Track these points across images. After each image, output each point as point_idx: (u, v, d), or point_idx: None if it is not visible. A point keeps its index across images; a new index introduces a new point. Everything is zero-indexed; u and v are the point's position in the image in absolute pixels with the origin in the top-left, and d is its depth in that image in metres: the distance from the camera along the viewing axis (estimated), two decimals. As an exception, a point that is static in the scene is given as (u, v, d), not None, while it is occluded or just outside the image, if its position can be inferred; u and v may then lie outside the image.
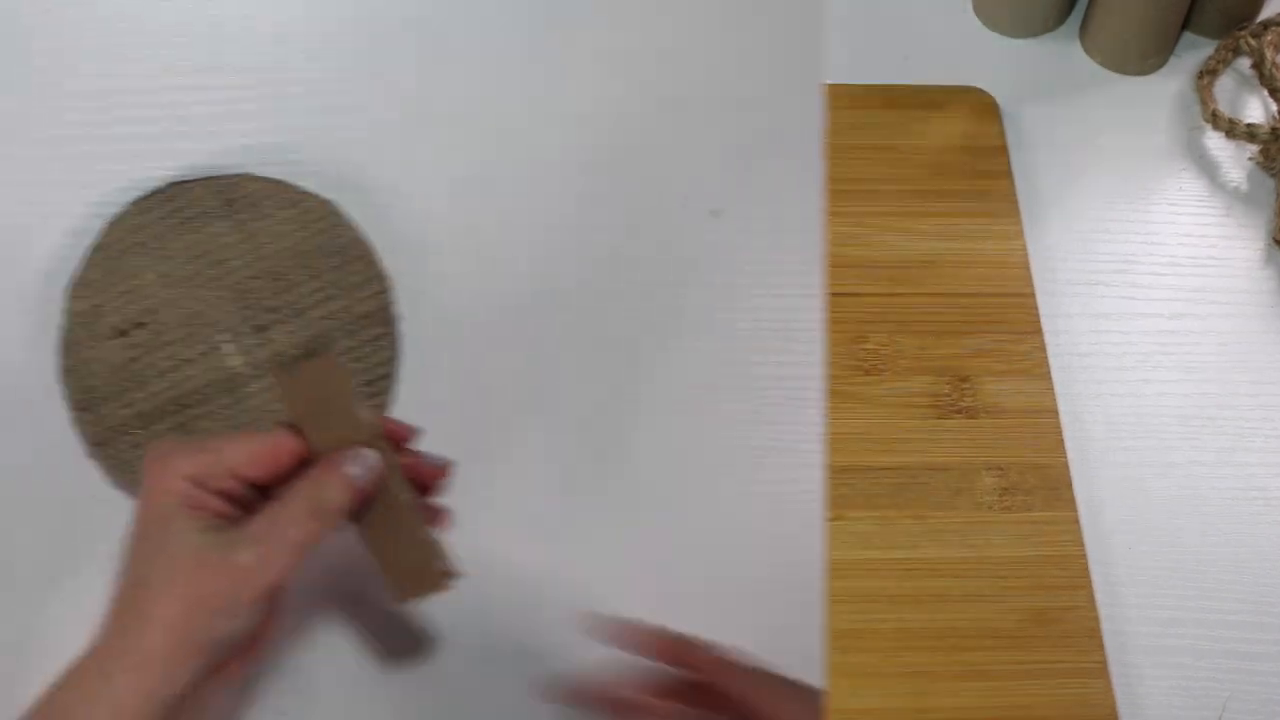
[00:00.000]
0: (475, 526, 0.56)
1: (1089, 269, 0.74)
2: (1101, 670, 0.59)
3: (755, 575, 0.59)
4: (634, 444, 0.60)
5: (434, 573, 0.53)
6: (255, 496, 0.53)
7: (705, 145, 0.61)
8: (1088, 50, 0.85)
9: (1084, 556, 0.62)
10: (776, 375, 0.61)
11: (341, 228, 0.59)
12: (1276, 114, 0.81)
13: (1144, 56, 0.84)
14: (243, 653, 0.53)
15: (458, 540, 0.55)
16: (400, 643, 0.57)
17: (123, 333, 0.59)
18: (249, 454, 0.51)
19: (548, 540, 0.59)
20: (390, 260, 0.59)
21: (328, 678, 0.57)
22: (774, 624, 0.59)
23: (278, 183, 0.59)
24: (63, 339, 0.59)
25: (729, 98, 0.61)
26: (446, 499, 0.55)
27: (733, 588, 0.59)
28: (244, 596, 0.49)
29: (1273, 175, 0.78)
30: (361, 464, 0.51)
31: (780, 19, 0.61)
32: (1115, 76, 0.84)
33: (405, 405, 0.59)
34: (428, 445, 0.57)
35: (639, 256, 0.60)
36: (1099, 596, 0.61)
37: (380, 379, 0.59)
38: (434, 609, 0.57)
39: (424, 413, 0.58)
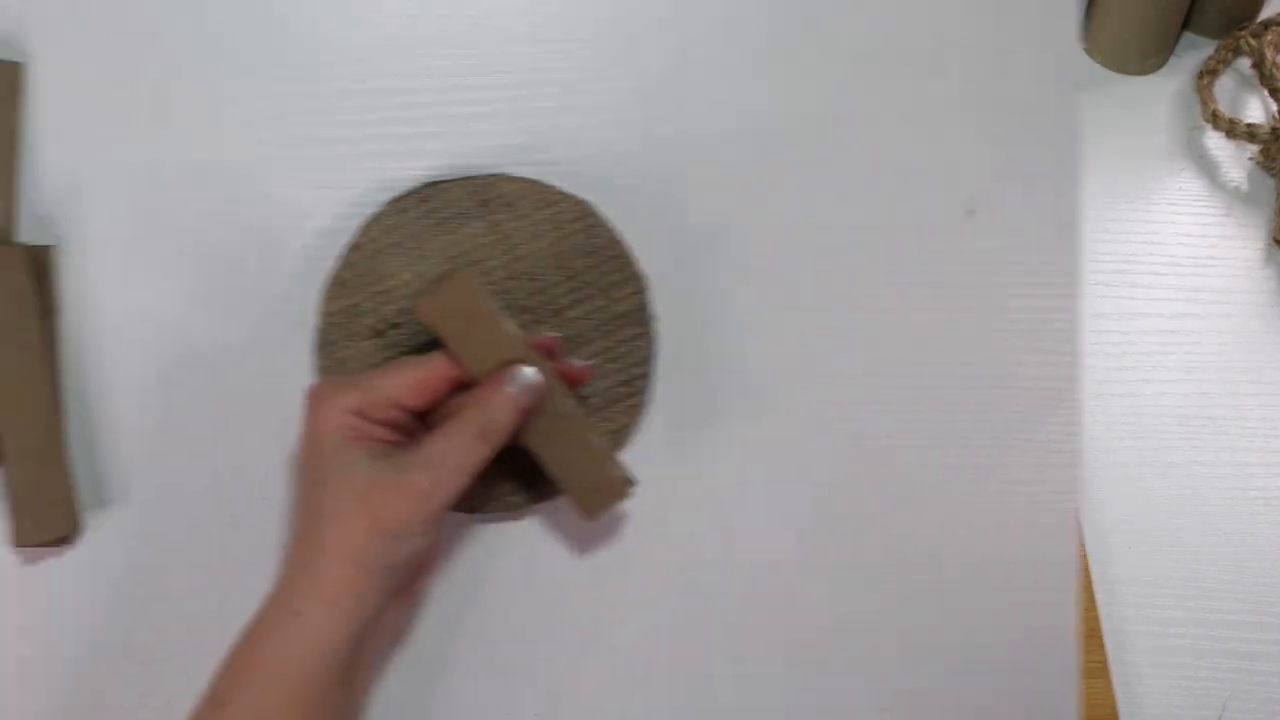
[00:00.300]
0: (730, 525, 0.59)
1: (1089, 269, 0.74)
2: (1102, 670, 0.60)
3: (1007, 572, 0.60)
4: (887, 442, 0.61)
5: (614, 481, 0.54)
6: (417, 424, 0.54)
7: (959, 145, 0.61)
8: (1088, 50, 0.85)
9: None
10: (1034, 376, 0.62)
11: (597, 227, 0.59)
12: (1276, 114, 0.81)
13: (1144, 56, 0.84)
14: (416, 572, 0.54)
15: (715, 539, 0.59)
16: None
17: (378, 333, 0.59)
18: (406, 383, 0.52)
19: (799, 539, 0.60)
20: (645, 260, 0.59)
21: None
22: (1027, 622, 0.60)
23: (533, 183, 0.59)
24: (318, 339, 0.58)
25: (984, 97, 0.61)
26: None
27: (984, 583, 0.60)
28: (419, 518, 0.50)
29: (1273, 175, 0.78)
30: (522, 382, 0.52)
31: (1035, 18, 0.61)
32: (1115, 76, 0.84)
33: (662, 405, 0.60)
34: (683, 445, 0.59)
35: (893, 256, 0.60)
36: (1099, 596, 0.62)
37: (637, 378, 0.59)
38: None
39: (681, 413, 0.60)
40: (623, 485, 0.54)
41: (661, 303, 0.60)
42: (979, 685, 0.60)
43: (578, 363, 0.56)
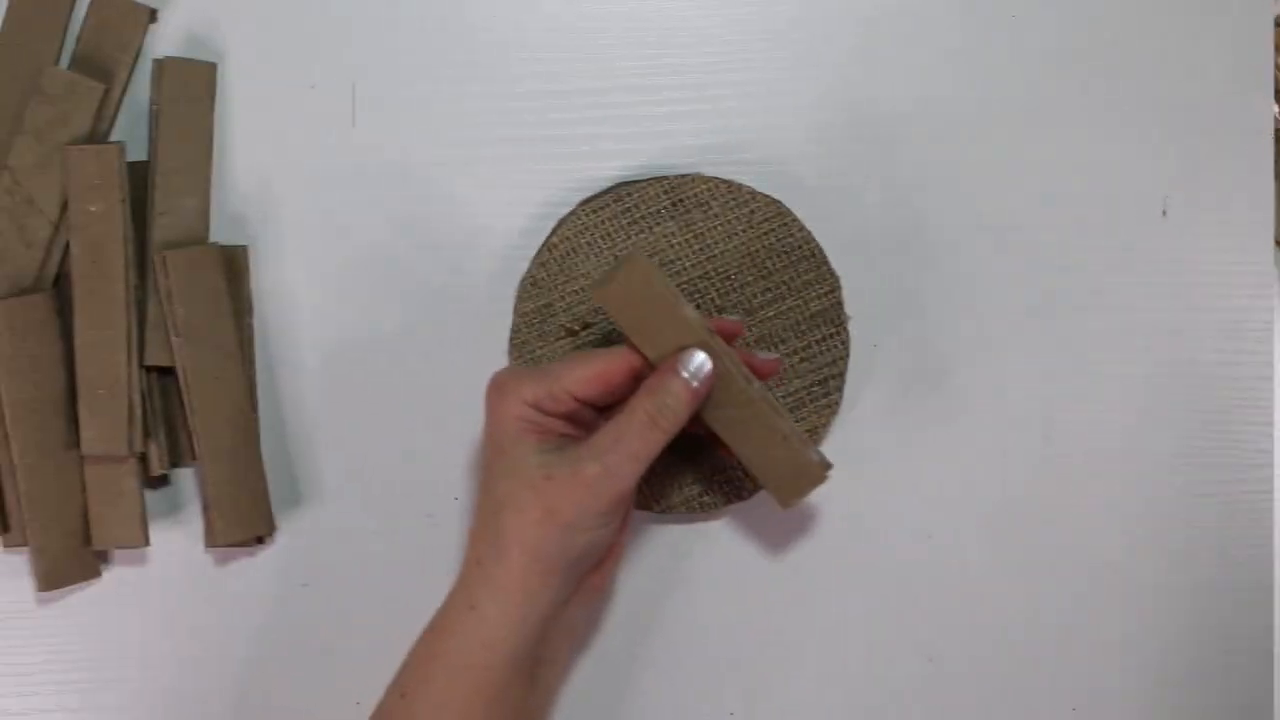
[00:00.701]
0: (924, 525, 0.60)
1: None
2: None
3: (1201, 572, 0.60)
4: (1078, 442, 0.60)
5: (809, 466, 0.52)
6: (598, 418, 0.53)
7: (1152, 144, 0.61)
8: None
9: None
10: (1229, 375, 0.61)
11: (790, 227, 0.59)
12: (1277, 114, 0.80)
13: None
14: (599, 567, 0.54)
15: (910, 539, 0.59)
16: None
17: (572, 333, 0.58)
18: (586, 375, 0.51)
19: (993, 539, 0.60)
20: (836, 259, 0.59)
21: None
22: (1221, 623, 0.60)
23: (726, 182, 0.58)
24: (512, 339, 0.59)
25: (1177, 96, 0.61)
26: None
27: (1177, 583, 0.60)
28: (593, 508, 0.49)
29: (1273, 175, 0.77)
30: (695, 365, 0.50)
31: (1228, 17, 0.61)
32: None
33: (855, 405, 0.60)
34: (877, 445, 0.60)
35: (1086, 255, 0.60)
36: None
37: (831, 378, 0.59)
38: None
39: (874, 413, 0.60)
40: (819, 469, 0.52)
41: (852, 302, 0.59)
42: (1172, 687, 0.60)
43: (765, 355, 0.55)
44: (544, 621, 0.50)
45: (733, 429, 0.52)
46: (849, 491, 0.60)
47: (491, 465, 0.51)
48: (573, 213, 0.58)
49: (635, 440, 0.50)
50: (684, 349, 0.51)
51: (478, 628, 0.50)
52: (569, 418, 0.52)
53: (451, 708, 0.50)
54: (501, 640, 0.50)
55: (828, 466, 0.53)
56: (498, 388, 0.52)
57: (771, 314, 0.58)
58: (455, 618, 0.50)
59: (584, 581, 0.53)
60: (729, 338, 0.53)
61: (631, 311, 0.51)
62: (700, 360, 0.51)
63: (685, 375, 0.50)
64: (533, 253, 0.59)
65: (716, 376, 0.51)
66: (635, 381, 0.52)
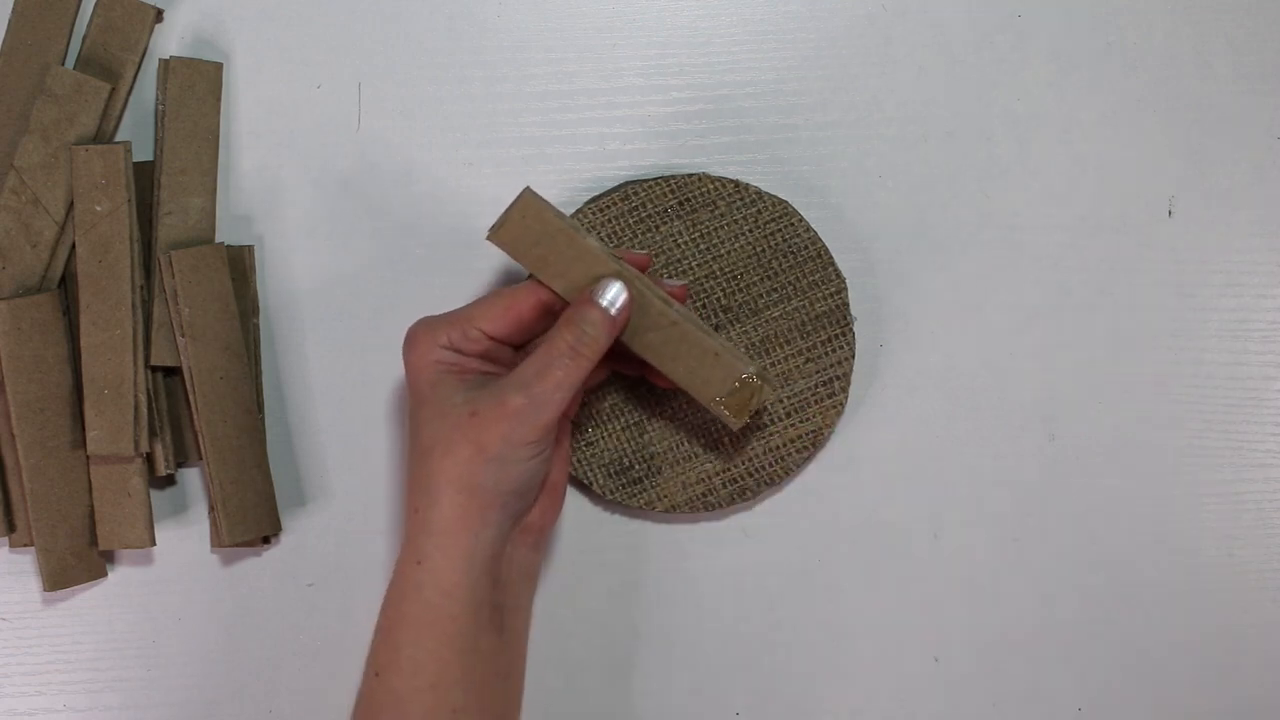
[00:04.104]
0: (932, 525, 0.60)
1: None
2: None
3: (1204, 571, 0.60)
4: (1083, 441, 0.60)
5: (747, 379, 0.52)
6: (515, 355, 0.53)
7: (1158, 145, 0.61)
8: None
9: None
10: (1235, 375, 0.62)
11: (797, 227, 0.59)
12: None
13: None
14: (538, 504, 0.54)
15: (918, 539, 0.60)
16: None
17: None
18: (494, 312, 0.51)
19: (1000, 538, 0.60)
20: (842, 260, 0.59)
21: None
22: (1226, 622, 0.60)
23: (733, 183, 0.59)
24: None
25: (1183, 97, 0.61)
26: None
27: (1181, 582, 0.60)
28: (522, 438, 0.49)
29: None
30: (609, 293, 0.51)
31: (1234, 18, 0.61)
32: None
33: (861, 405, 0.60)
34: (883, 445, 0.60)
35: (1091, 256, 0.60)
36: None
37: (836, 379, 0.59)
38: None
39: (880, 413, 0.60)
40: (756, 380, 0.52)
41: (858, 303, 0.59)
42: (1177, 687, 0.60)
43: (671, 282, 0.55)
44: (492, 560, 0.50)
45: (661, 352, 0.52)
46: (855, 492, 0.60)
47: (415, 413, 0.51)
48: (580, 212, 0.58)
49: (558, 370, 0.50)
50: (598, 279, 0.51)
51: (432, 579, 0.49)
52: (486, 356, 0.52)
53: (426, 669, 0.49)
54: (455, 585, 0.49)
55: (766, 379, 0.52)
56: (411, 339, 0.52)
57: (777, 314, 0.58)
58: (407, 576, 0.50)
59: (524, 520, 0.53)
60: (640, 268, 0.54)
61: (533, 249, 0.51)
62: (616, 289, 0.51)
63: (604, 304, 0.51)
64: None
65: (633, 301, 0.51)
66: (548, 318, 0.52)
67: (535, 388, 0.49)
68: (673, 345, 0.52)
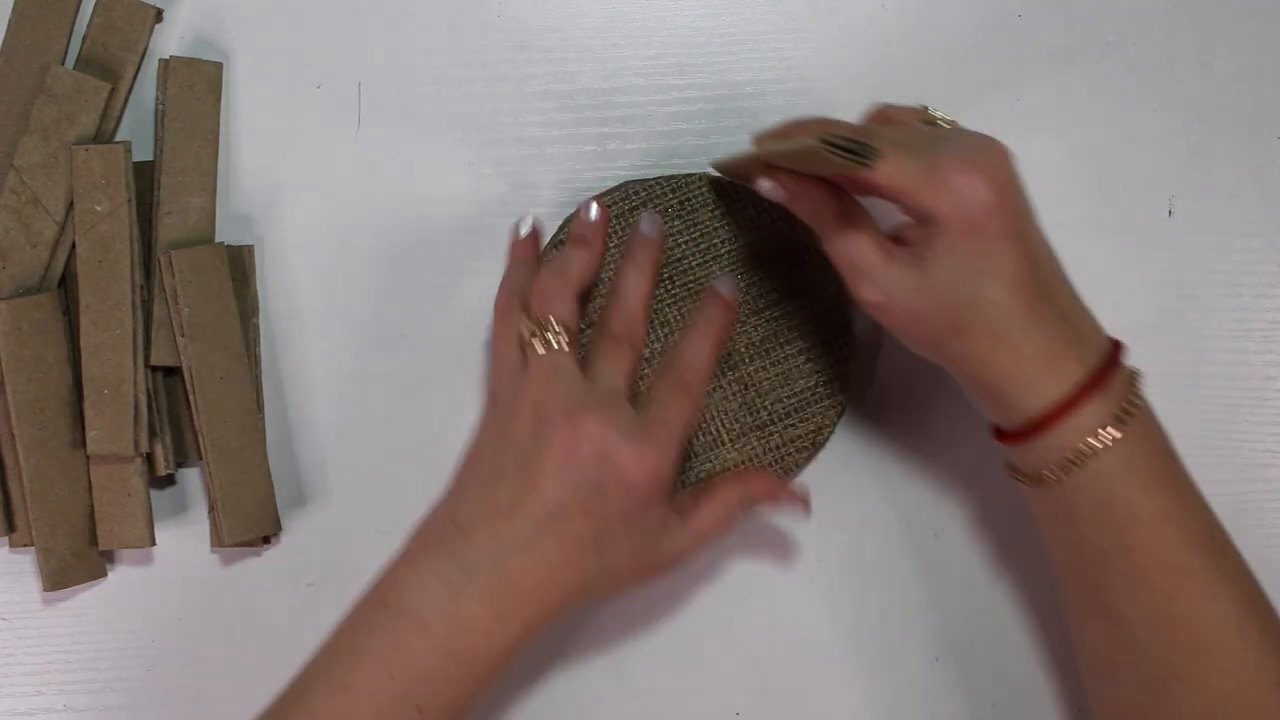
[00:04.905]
0: (932, 526, 0.60)
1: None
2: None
3: None
4: None
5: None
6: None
7: (1159, 144, 0.61)
8: None
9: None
10: (1235, 375, 0.61)
11: (798, 227, 0.59)
12: None
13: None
14: None
15: (919, 541, 0.60)
16: None
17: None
18: (568, 297, 0.53)
19: (999, 540, 0.60)
20: None
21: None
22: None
23: (733, 182, 0.59)
24: None
25: (1184, 96, 0.61)
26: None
27: None
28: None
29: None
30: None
31: (1238, 17, 0.61)
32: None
33: (862, 405, 0.60)
34: (884, 445, 0.61)
35: (1091, 255, 0.60)
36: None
37: (836, 378, 0.59)
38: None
39: (881, 413, 0.60)
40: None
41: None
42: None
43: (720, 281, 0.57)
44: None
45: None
46: (855, 491, 0.60)
47: (610, 520, 0.50)
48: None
49: (718, 519, 0.54)
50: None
51: (467, 671, 0.49)
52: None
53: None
54: (493, 674, 0.50)
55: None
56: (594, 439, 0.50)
57: (777, 314, 0.58)
58: (431, 645, 0.49)
59: None
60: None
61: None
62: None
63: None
64: (540, 252, 0.59)
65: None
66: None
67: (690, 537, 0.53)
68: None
